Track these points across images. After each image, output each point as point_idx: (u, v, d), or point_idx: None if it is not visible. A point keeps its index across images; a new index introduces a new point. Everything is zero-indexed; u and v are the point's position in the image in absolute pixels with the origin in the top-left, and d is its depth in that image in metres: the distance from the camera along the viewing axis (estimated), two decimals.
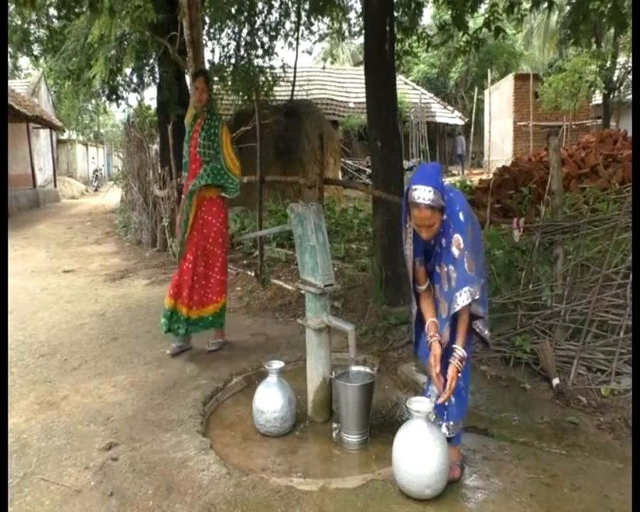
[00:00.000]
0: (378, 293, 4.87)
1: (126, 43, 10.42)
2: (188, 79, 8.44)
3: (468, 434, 2.69)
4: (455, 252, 2.23)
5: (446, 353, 2.35)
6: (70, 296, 5.87)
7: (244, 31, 12.46)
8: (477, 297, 2.23)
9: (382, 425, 3.02)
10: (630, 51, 14.52)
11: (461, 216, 2.24)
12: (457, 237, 2.22)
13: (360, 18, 11.81)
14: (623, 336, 3.29)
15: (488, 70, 23.60)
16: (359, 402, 2.80)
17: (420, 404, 2.33)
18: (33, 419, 3.04)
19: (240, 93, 12.61)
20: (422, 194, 2.16)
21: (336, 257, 6.77)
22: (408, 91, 21.94)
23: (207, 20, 11.36)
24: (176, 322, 3.97)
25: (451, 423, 2.44)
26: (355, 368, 2.96)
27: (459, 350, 2.30)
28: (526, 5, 8.09)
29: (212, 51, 18.87)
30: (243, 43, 12.53)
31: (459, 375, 2.31)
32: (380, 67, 4.80)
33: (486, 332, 2.43)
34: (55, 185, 19.94)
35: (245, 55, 12.52)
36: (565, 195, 5.21)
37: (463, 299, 2.21)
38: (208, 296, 4.06)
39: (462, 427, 2.50)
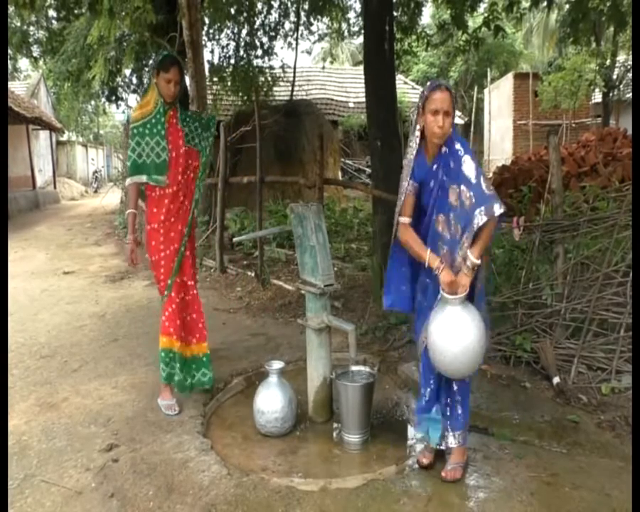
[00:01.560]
0: (378, 293, 4.86)
1: (125, 44, 10.46)
2: (187, 80, 8.44)
3: (469, 434, 2.68)
4: (468, 171, 2.22)
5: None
6: (70, 297, 5.87)
7: (244, 32, 12.49)
8: (500, 212, 2.12)
9: (382, 425, 3.02)
10: (630, 49, 14.52)
11: (465, 145, 2.30)
12: (468, 158, 2.25)
13: (360, 18, 11.83)
14: (623, 334, 3.29)
15: (488, 69, 23.55)
16: (359, 402, 2.80)
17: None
18: (33, 421, 3.04)
19: (240, 93, 12.62)
20: (440, 81, 2.33)
21: (336, 257, 6.77)
22: (408, 90, 21.90)
23: (206, 20, 11.37)
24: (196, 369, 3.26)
25: (457, 432, 2.48)
26: (355, 368, 2.96)
27: (472, 260, 2.21)
28: (525, 4, 8.10)
29: (212, 52, 18.92)
30: (242, 44, 12.55)
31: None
32: (380, 66, 4.81)
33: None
34: (55, 187, 19.92)
35: (245, 56, 12.53)
36: (565, 193, 5.20)
37: (483, 218, 2.13)
38: (188, 338, 3.26)
39: (466, 430, 2.53)
